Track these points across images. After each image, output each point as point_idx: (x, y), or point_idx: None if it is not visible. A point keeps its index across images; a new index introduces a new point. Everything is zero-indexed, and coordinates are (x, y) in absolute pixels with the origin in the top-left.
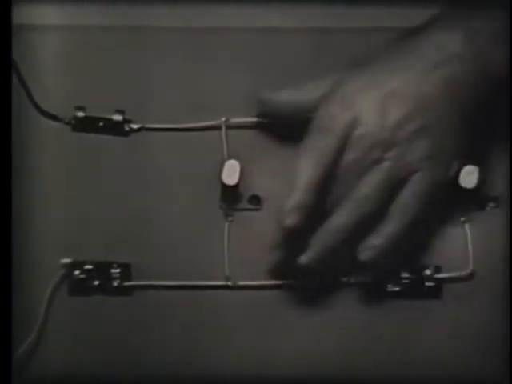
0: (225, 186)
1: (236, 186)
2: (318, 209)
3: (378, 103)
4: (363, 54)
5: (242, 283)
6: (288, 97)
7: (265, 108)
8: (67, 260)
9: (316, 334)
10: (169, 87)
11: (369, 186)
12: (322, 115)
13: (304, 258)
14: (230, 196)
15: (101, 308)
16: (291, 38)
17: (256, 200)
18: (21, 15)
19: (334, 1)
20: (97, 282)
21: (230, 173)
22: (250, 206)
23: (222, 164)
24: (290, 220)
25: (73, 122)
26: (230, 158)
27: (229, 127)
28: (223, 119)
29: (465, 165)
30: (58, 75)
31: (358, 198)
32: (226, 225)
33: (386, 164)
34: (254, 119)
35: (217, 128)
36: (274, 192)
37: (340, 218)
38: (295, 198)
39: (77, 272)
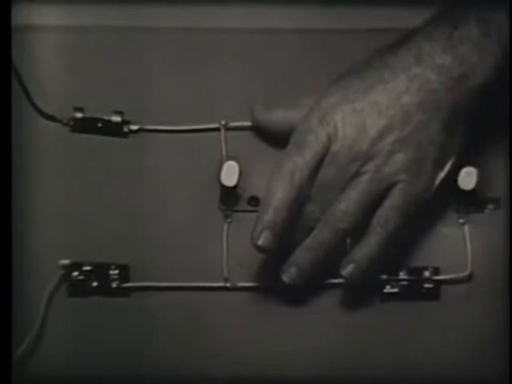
0: (224, 188)
1: (235, 188)
2: (294, 226)
3: (357, 116)
4: (363, 55)
5: (240, 285)
6: (281, 115)
7: (257, 125)
8: (66, 261)
9: (314, 335)
10: (168, 88)
11: (348, 200)
12: (301, 130)
13: (287, 276)
14: (229, 197)
15: (99, 309)
16: (291, 38)
17: (255, 201)
18: (20, 15)
19: (335, 1)
20: (95, 284)
21: (229, 174)
22: (249, 208)
23: (220, 165)
24: (262, 240)
25: (71, 123)
26: (228, 159)
27: (228, 129)
28: (223, 122)
29: (463, 166)
30: (57, 75)
31: (337, 214)
32: (225, 226)
33: (365, 177)
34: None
35: (216, 130)
36: None
37: (321, 234)
38: (267, 217)
39: (75, 273)
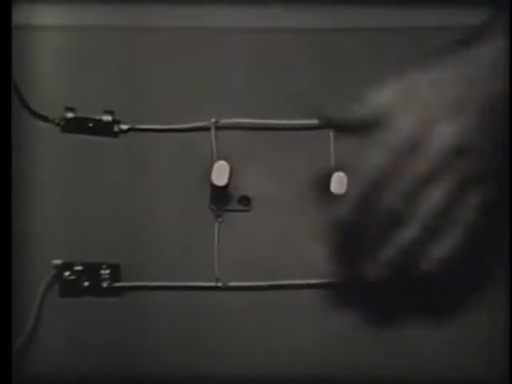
0: (214, 187)
1: (226, 187)
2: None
3: (451, 111)
4: (364, 55)
5: (231, 284)
6: (354, 112)
7: (330, 124)
8: (58, 261)
9: (307, 333)
10: (166, 87)
11: (439, 197)
12: (392, 130)
13: (372, 274)
14: (220, 197)
15: (91, 309)
16: (289, 37)
17: (246, 201)
18: (20, 15)
19: (334, 1)
20: (87, 283)
21: (220, 174)
22: (239, 207)
23: (211, 165)
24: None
25: (62, 123)
26: (219, 158)
27: (218, 128)
28: (213, 120)
29: None
30: (56, 75)
31: (428, 211)
32: (216, 225)
33: (458, 174)
34: (243, 120)
35: (206, 129)
36: (263, 193)
37: (411, 232)
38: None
39: (67, 273)
